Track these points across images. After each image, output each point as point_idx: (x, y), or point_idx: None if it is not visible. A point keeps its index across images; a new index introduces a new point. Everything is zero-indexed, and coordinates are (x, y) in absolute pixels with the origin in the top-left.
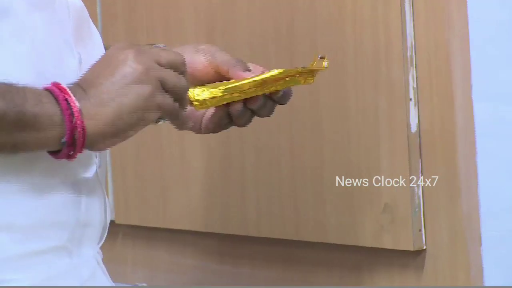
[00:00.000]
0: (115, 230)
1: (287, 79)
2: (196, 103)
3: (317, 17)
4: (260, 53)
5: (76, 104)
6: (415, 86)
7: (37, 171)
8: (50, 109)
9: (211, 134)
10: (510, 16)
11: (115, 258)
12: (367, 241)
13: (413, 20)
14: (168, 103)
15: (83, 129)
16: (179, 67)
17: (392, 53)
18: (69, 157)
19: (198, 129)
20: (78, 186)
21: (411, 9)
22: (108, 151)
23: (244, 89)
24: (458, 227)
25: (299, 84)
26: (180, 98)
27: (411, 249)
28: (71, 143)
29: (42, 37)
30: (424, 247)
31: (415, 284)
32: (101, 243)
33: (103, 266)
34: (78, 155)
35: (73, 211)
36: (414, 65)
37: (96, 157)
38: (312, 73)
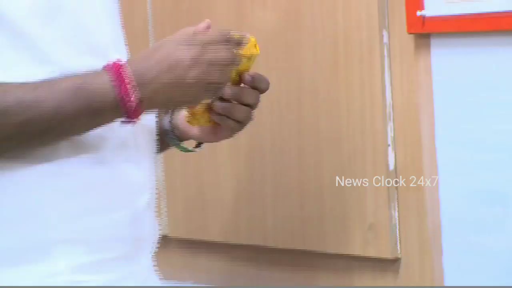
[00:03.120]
0: (166, 242)
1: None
2: (189, 117)
3: (320, 89)
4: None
5: (133, 96)
6: (392, 135)
7: (102, 197)
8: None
9: (240, 164)
10: (467, 80)
11: (165, 264)
12: (356, 251)
13: (391, 86)
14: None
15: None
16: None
17: (374, 110)
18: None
19: (213, 137)
20: (135, 209)
21: (390, 78)
22: (161, 179)
23: None
24: (426, 241)
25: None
26: (223, 70)
27: (389, 257)
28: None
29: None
30: (399, 256)
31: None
32: (153, 253)
33: (155, 271)
34: (133, 186)
35: (131, 229)
36: (392, 119)
37: (149, 187)
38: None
